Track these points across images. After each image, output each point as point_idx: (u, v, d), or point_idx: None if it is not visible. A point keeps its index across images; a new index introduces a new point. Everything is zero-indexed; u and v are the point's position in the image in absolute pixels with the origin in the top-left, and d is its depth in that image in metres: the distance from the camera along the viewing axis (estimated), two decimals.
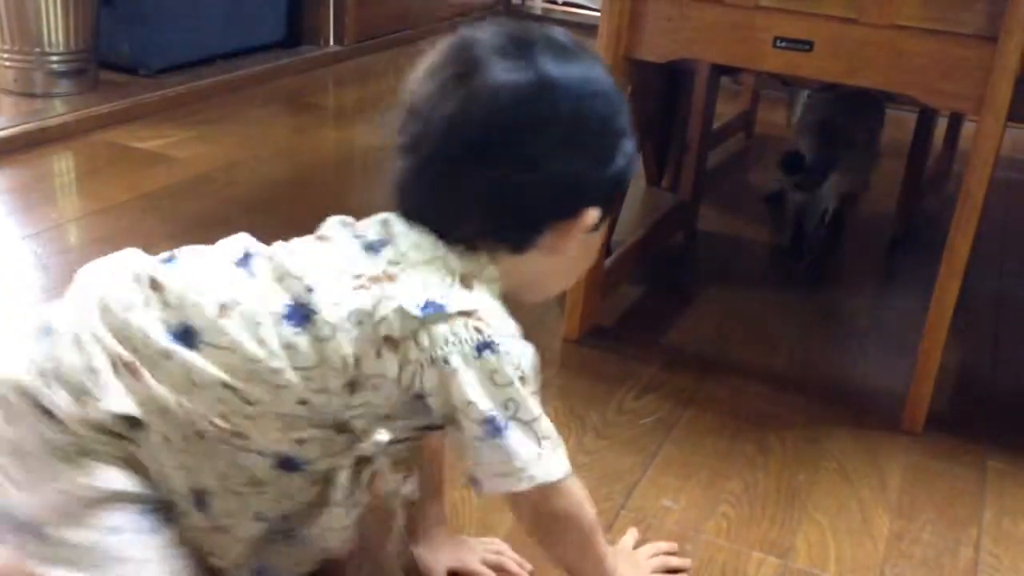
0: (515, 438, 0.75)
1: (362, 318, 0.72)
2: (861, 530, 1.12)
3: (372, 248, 0.77)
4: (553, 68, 0.74)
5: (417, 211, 0.77)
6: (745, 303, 1.66)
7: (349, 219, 0.81)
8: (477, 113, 0.73)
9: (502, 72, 0.73)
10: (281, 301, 0.73)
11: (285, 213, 1.82)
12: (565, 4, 3.62)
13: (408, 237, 0.76)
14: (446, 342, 0.72)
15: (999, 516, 1.16)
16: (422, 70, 0.77)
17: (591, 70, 0.77)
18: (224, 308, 0.73)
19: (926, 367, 1.29)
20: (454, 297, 0.73)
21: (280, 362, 0.72)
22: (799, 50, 1.26)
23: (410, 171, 0.77)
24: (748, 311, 1.63)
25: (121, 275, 0.76)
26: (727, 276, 1.77)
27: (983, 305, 1.67)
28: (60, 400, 0.72)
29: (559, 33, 0.78)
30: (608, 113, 0.77)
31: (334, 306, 0.72)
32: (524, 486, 0.76)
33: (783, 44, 1.27)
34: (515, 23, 0.79)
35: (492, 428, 0.74)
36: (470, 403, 0.73)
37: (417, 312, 0.72)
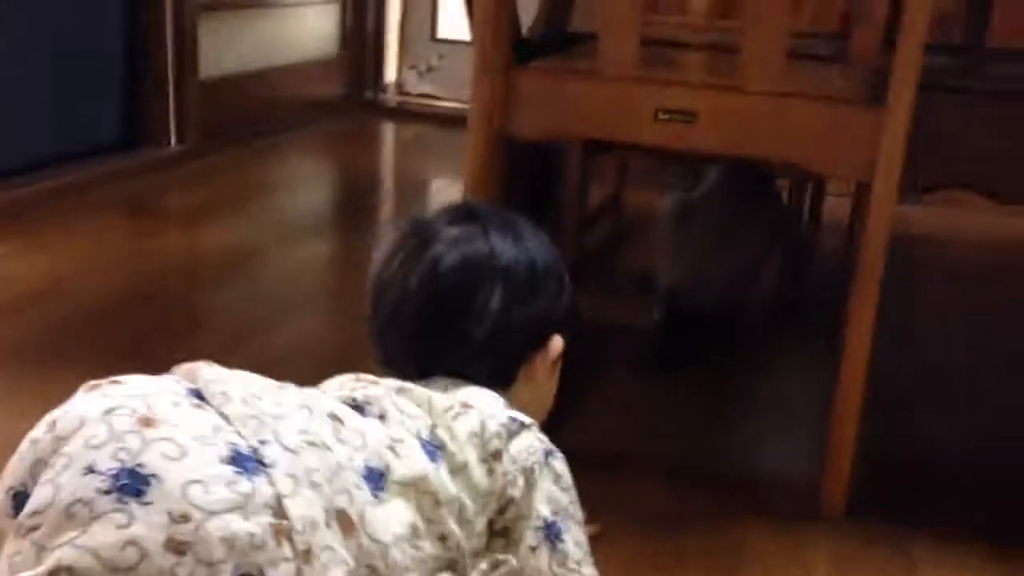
0: (571, 539, 0.81)
1: (475, 438, 0.79)
2: None
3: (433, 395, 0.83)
4: (503, 224, 0.90)
5: (424, 371, 0.86)
6: (635, 394, 1.56)
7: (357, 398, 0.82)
8: (452, 276, 0.86)
9: (455, 242, 0.87)
10: (417, 436, 0.78)
11: (126, 332, 1.62)
12: (420, 95, 3.56)
13: (444, 383, 0.85)
14: (531, 451, 0.80)
15: None
16: (383, 251, 0.90)
17: (526, 225, 0.93)
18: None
19: (840, 447, 1.21)
20: (518, 413, 0.83)
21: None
22: (682, 121, 1.20)
23: (404, 340, 0.88)
24: (639, 402, 1.53)
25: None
26: (612, 366, 1.67)
27: (887, 378, 1.62)
28: None
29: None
30: (545, 253, 0.92)
31: (451, 434, 0.78)
32: None
33: (665, 116, 1.20)
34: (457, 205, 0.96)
35: (552, 532, 0.80)
36: (537, 509, 0.79)
37: (512, 425, 0.80)
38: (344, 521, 0.68)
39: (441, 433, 0.78)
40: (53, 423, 0.68)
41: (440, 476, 0.75)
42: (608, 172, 2.42)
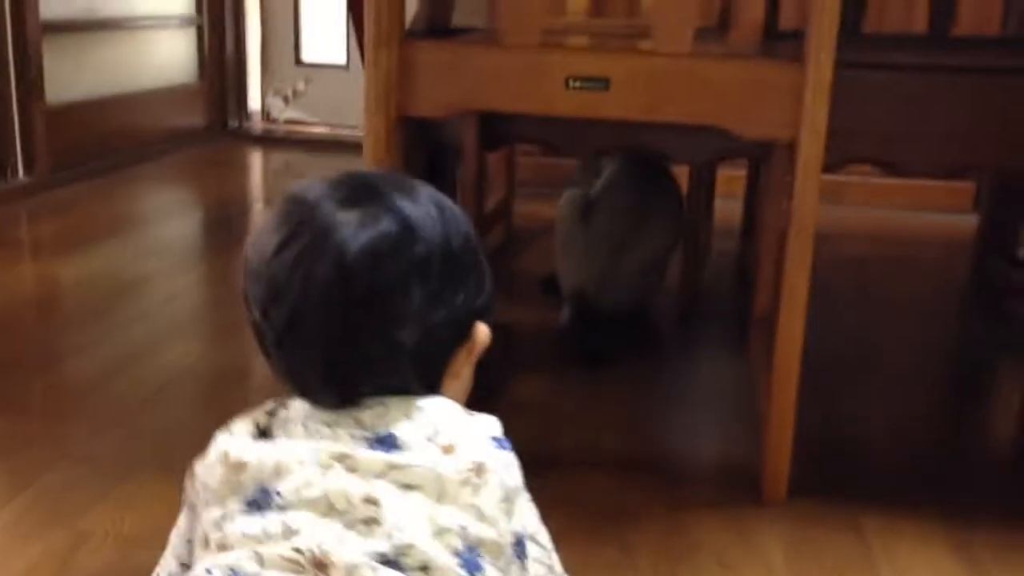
0: (533, 547, 0.78)
1: (503, 504, 0.73)
2: None
3: (385, 442, 0.73)
4: (410, 202, 0.74)
5: (346, 393, 0.73)
6: (553, 393, 1.47)
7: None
8: (364, 275, 0.71)
9: (360, 224, 0.72)
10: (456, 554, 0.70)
11: None
12: (287, 122, 3.42)
13: (400, 408, 0.74)
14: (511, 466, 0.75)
15: None
16: (266, 246, 0.72)
17: (435, 195, 0.77)
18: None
19: (780, 431, 1.15)
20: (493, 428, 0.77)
21: None
22: (594, 89, 1.13)
23: (314, 359, 0.72)
24: (560, 402, 1.44)
25: None
26: (530, 368, 1.58)
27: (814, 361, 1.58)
28: None
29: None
30: (465, 230, 0.78)
31: (481, 516, 0.71)
32: None
33: (576, 84, 1.13)
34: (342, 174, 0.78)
35: (520, 548, 0.75)
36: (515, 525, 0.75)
37: (510, 455, 0.76)
38: None
39: (472, 529, 0.70)
40: None
41: None
42: (497, 179, 2.34)
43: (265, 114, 3.45)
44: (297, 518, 0.68)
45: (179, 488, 0.74)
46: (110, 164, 2.75)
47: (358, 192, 0.74)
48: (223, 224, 2.42)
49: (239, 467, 0.71)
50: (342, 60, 3.37)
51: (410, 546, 0.67)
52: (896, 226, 2.62)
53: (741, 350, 1.65)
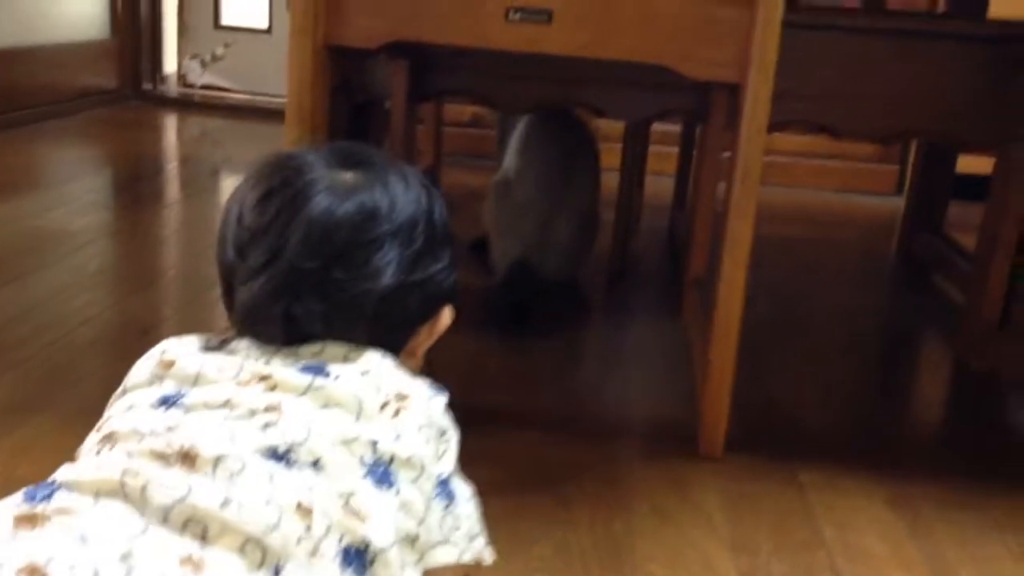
0: (460, 494, 0.75)
1: (425, 429, 0.71)
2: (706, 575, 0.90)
3: (313, 369, 0.71)
4: (397, 173, 0.76)
5: (294, 334, 0.73)
6: (486, 353, 1.42)
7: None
8: (345, 230, 0.72)
9: (348, 183, 0.74)
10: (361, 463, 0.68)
11: None
12: (204, 88, 3.29)
13: (337, 350, 0.73)
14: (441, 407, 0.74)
15: (840, 532, 0.99)
16: (253, 194, 0.74)
17: (418, 175, 0.79)
18: None
19: (719, 383, 1.11)
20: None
21: None
22: (536, 21, 1.07)
23: (275, 297, 0.72)
24: (493, 361, 1.39)
25: None
26: (459, 329, 1.52)
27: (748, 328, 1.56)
28: None
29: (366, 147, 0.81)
30: (444, 212, 0.79)
31: (398, 436, 0.69)
32: (467, 557, 0.74)
33: (517, 16, 1.07)
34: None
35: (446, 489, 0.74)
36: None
37: (441, 400, 0.74)
38: None
39: (386, 447, 0.68)
40: None
41: (411, 507, 0.68)
42: (424, 148, 2.28)
43: (181, 78, 3.31)
44: (188, 418, 0.66)
45: (77, 434, 0.70)
46: (14, 119, 2.59)
47: (349, 157, 0.77)
48: (133, 182, 2.30)
49: (168, 365, 0.71)
50: (264, 24, 3.26)
51: (302, 442, 0.65)
52: (823, 207, 2.64)
53: (673, 313, 1.62)
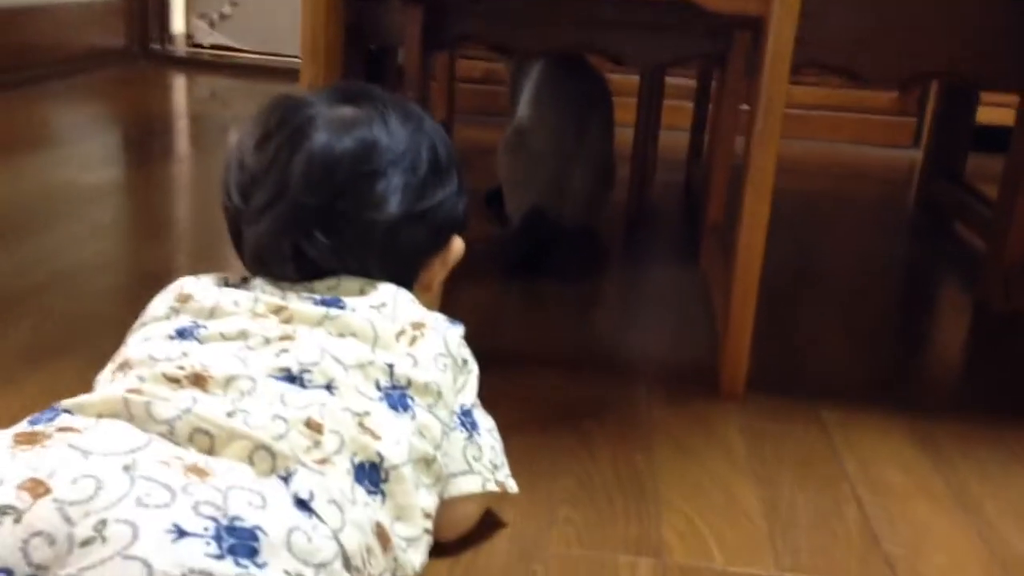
0: (483, 426, 0.78)
1: (442, 358, 0.72)
2: (729, 508, 0.89)
3: (329, 303, 0.72)
4: (396, 106, 0.77)
5: (307, 272, 0.74)
6: (504, 299, 1.41)
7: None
8: (347, 162, 0.73)
9: (349, 116, 0.74)
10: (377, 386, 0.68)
11: None
12: (212, 47, 3.26)
13: (353, 285, 0.74)
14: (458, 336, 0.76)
15: (863, 466, 0.98)
16: (253, 136, 0.75)
17: (420, 110, 0.80)
18: None
19: (741, 321, 1.10)
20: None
21: None
22: None
23: (283, 234, 0.73)
24: (511, 307, 1.38)
25: None
26: (477, 277, 1.51)
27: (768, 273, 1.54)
28: None
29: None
30: (448, 142, 0.80)
31: (415, 363, 0.70)
32: (490, 486, 0.76)
33: None
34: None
35: (469, 420, 0.76)
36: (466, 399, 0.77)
37: (457, 331, 0.76)
38: (382, 536, 0.62)
39: (402, 371, 0.68)
40: (36, 491, 0.51)
41: (427, 430, 0.68)
42: (437, 102, 2.26)
43: (189, 37, 3.29)
44: (203, 347, 0.66)
45: (90, 376, 0.71)
46: (22, 78, 2.58)
47: (351, 98, 0.77)
48: (144, 139, 2.29)
49: (185, 299, 0.71)
50: None
51: (316, 363, 0.65)
52: (840, 159, 2.61)
53: (691, 260, 1.61)
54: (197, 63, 3.19)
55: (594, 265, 1.55)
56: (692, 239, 1.69)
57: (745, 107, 1.16)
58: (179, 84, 3.05)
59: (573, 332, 1.30)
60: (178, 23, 3.29)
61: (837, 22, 1.44)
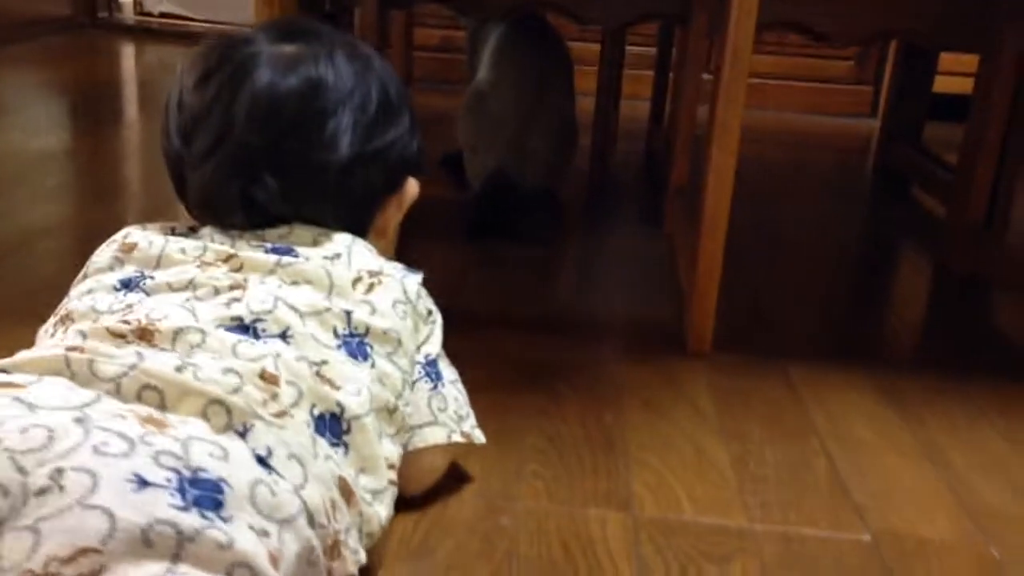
0: (447, 376, 0.76)
1: (400, 305, 0.69)
2: (699, 462, 0.88)
3: (280, 251, 0.69)
4: (343, 43, 0.73)
5: (255, 217, 0.70)
6: (468, 263, 1.38)
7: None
8: (294, 100, 0.69)
9: (294, 53, 0.71)
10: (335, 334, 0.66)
11: None
12: (162, 16, 3.18)
13: (307, 233, 0.70)
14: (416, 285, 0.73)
15: (831, 421, 0.98)
16: (192, 76, 0.71)
17: (367, 46, 0.77)
18: None
19: (708, 278, 1.09)
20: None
21: None
22: None
23: (229, 178, 0.69)
24: (475, 270, 1.36)
25: None
26: (437, 239, 1.48)
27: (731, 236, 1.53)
28: None
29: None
30: (397, 80, 0.77)
31: (373, 310, 0.67)
32: (456, 436, 0.74)
33: None
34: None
35: (432, 369, 0.74)
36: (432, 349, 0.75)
37: (416, 278, 0.73)
38: (346, 490, 0.60)
39: (360, 317, 0.65)
40: None
41: (387, 379, 0.66)
42: (396, 69, 2.22)
43: (138, 5, 3.20)
44: (150, 299, 0.63)
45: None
46: None
47: (295, 35, 0.73)
48: (91, 105, 2.22)
49: (130, 248, 0.68)
50: None
51: (269, 311, 0.62)
52: (797, 127, 2.62)
53: (654, 223, 1.60)
54: (146, 31, 3.11)
55: (557, 228, 1.53)
56: (655, 204, 1.68)
57: (707, 76, 1.14)
58: (127, 52, 2.97)
59: (538, 294, 1.28)
60: None
61: None
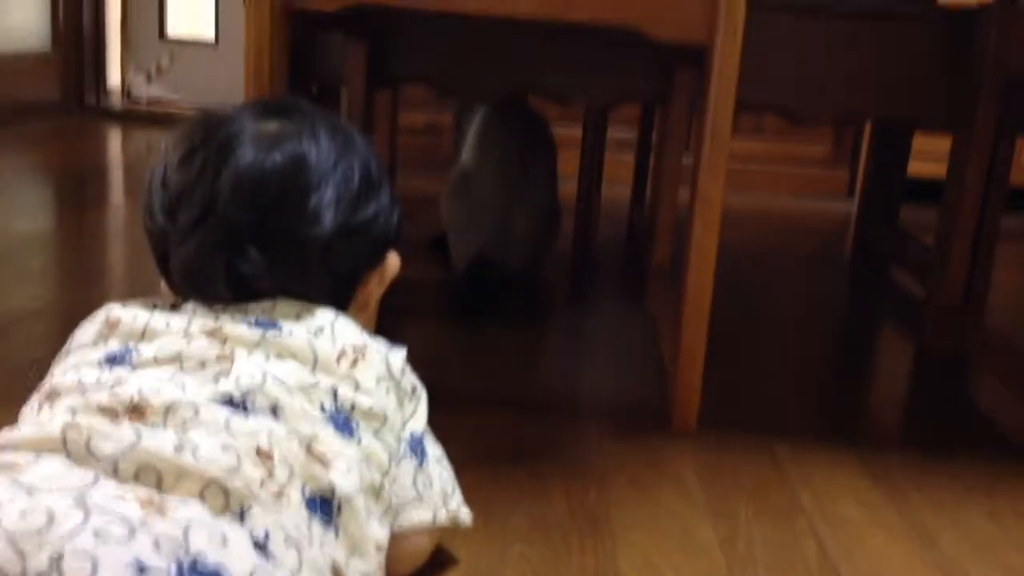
0: (431, 453, 0.76)
1: (384, 381, 0.70)
2: (687, 542, 0.87)
3: (264, 324, 0.69)
4: (324, 120, 0.74)
5: (240, 294, 0.70)
6: (452, 342, 1.38)
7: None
8: (278, 177, 0.70)
9: (277, 130, 0.72)
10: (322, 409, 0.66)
11: None
12: (151, 101, 3.22)
13: (291, 308, 0.70)
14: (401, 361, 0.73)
15: (818, 500, 0.97)
16: (176, 153, 0.71)
17: (348, 125, 0.78)
18: None
19: (692, 356, 1.09)
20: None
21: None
22: None
23: (213, 254, 0.69)
24: (459, 349, 1.36)
25: None
26: (423, 320, 1.49)
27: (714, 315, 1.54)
28: None
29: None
30: (377, 155, 0.78)
31: (358, 387, 0.67)
32: (442, 516, 0.74)
33: None
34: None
35: (418, 446, 0.74)
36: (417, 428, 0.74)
37: (399, 353, 0.73)
38: (337, 574, 0.61)
39: (346, 394, 0.65)
40: None
41: (374, 457, 0.66)
42: (380, 152, 2.25)
43: (126, 91, 3.24)
44: (136, 374, 0.63)
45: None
46: None
47: (273, 107, 0.74)
48: (77, 188, 2.24)
49: (114, 324, 0.67)
50: (210, 36, 3.21)
51: (258, 387, 0.62)
52: (775, 210, 2.66)
53: (637, 303, 1.61)
54: (134, 117, 3.15)
55: (540, 309, 1.54)
56: (637, 284, 1.69)
57: (687, 162, 1.16)
58: (115, 137, 3.00)
59: (522, 374, 1.28)
60: (114, 76, 3.25)
61: (773, 61, 1.47)
